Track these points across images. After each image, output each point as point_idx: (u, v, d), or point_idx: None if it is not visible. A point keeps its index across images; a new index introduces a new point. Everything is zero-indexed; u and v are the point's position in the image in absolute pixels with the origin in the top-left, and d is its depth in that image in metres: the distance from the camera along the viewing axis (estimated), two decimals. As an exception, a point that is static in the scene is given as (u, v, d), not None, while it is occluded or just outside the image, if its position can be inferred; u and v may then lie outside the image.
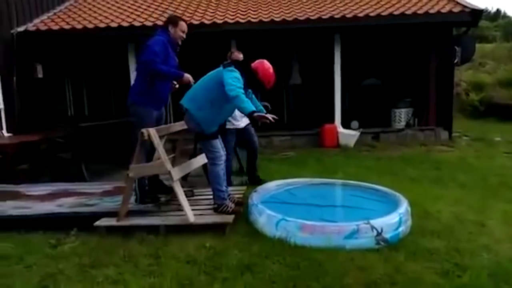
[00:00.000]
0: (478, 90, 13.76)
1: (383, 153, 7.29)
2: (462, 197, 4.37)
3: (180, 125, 4.15)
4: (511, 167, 6.00)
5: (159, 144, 3.51)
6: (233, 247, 3.10)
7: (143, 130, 3.45)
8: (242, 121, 4.91)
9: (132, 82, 3.93)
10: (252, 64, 3.59)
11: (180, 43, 3.95)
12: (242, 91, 3.35)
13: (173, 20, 3.92)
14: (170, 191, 3.81)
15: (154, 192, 4.05)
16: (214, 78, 3.53)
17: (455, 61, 8.03)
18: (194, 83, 3.80)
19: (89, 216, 3.67)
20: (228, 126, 4.78)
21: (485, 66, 16.52)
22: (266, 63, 3.58)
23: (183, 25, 3.91)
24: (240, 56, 5.01)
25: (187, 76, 3.84)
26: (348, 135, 7.97)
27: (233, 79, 3.35)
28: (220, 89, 3.40)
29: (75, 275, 2.80)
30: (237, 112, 4.50)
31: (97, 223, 3.56)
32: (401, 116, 8.79)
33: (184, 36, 3.94)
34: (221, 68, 3.52)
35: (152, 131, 3.48)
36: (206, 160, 4.29)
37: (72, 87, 9.92)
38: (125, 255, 3.07)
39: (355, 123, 8.68)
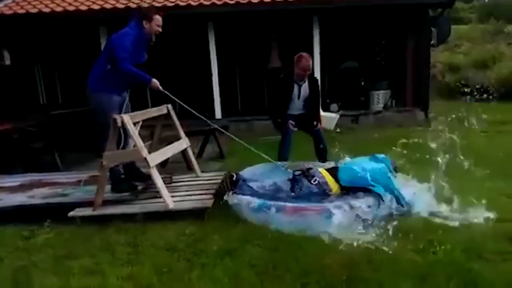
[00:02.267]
0: (454, 71, 14.00)
1: (363, 135, 7.34)
2: (439, 176, 4.43)
3: (156, 111, 4.05)
4: (486, 145, 6.14)
5: (134, 130, 3.41)
6: (213, 233, 3.07)
7: (116, 116, 3.34)
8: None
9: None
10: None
11: (154, 38, 3.78)
12: None
13: (147, 15, 3.70)
14: (148, 178, 3.71)
15: (131, 179, 3.95)
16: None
17: (431, 42, 8.10)
18: (163, 92, 3.74)
19: (63, 206, 3.56)
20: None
21: (460, 47, 16.81)
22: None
23: (158, 19, 3.73)
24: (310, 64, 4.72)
25: (155, 82, 3.72)
26: (329, 118, 7.97)
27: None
28: None
29: (50, 267, 2.73)
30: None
31: (72, 213, 3.46)
32: (379, 98, 8.86)
33: (160, 29, 3.77)
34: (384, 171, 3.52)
35: (126, 117, 3.38)
36: (184, 146, 4.22)
37: (44, 74, 9.53)
38: (101, 245, 3.01)
39: (334, 106, 8.71)
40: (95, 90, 3.70)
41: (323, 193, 3.42)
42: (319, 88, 4.89)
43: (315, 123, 4.79)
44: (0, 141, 5.46)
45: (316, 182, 3.46)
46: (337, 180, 3.50)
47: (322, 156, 4.80)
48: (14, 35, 7.92)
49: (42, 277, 2.57)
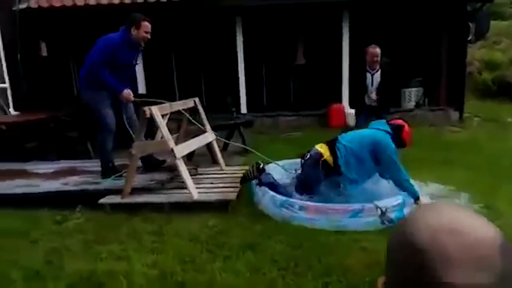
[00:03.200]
0: (492, 69, 13.37)
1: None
2: (471, 179, 4.28)
3: (181, 104, 4.11)
4: (523, 148, 5.85)
5: (161, 122, 3.48)
6: (236, 227, 3.10)
7: (145, 108, 3.42)
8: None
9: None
10: (396, 122, 3.59)
11: (143, 44, 3.92)
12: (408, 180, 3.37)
13: (134, 22, 3.80)
14: (162, 163, 4.02)
15: (148, 168, 4.15)
16: (370, 143, 3.41)
17: (469, 38, 7.75)
18: (135, 101, 3.96)
19: (94, 193, 3.69)
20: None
21: (499, 44, 16.00)
22: (410, 132, 3.58)
23: (146, 26, 3.82)
24: (378, 51, 5.13)
25: (126, 93, 3.86)
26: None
27: (396, 158, 3.35)
28: (373, 159, 3.39)
29: (80, 251, 2.84)
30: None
31: (102, 200, 3.58)
32: (411, 95, 8.61)
33: (149, 36, 3.87)
34: (379, 134, 3.44)
35: (154, 109, 3.44)
36: (210, 139, 4.27)
37: (77, 66, 9.87)
38: (129, 232, 3.10)
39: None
40: (84, 86, 3.98)
41: (316, 161, 3.41)
42: (392, 78, 5.24)
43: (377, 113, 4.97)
44: (37, 129, 5.72)
45: (308, 156, 3.51)
46: (333, 150, 3.46)
47: None
48: (51, 28, 8.21)
49: (73, 260, 2.69)
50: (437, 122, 8.08)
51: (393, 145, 3.36)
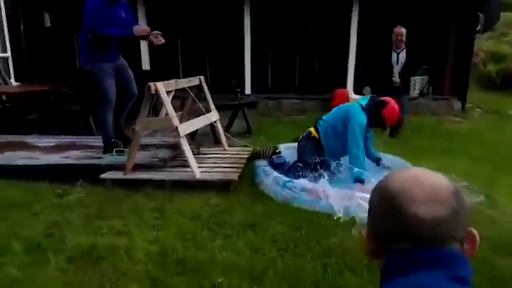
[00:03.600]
0: (497, 61, 13.23)
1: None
2: (471, 169, 4.30)
3: (187, 81, 4.07)
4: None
5: (166, 98, 3.45)
6: (237, 206, 3.12)
7: (150, 84, 3.38)
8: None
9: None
10: (382, 99, 3.57)
11: None
12: (360, 155, 3.47)
13: None
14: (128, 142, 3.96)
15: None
16: (343, 115, 3.61)
17: (477, 28, 7.64)
18: (151, 32, 3.80)
19: (95, 168, 3.69)
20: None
21: (507, 36, 15.80)
22: (394, 104, 3.53)
23: None
24: (403, 30, 5.59)
25: (139, 28, 3.80)
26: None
27: (359, 130, 3.44)
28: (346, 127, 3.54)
29: (81, 225, 2.86)
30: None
31: (103, 175, 3.58)
32: (416, 84, 8.54)
33: None
34: (351, 106, 3.62)
35: (159, 85, 3.41)
36: (214, 119, 4.26)
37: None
38: (130, 208, 3.11)
39: (367, 89, 8.47)
40: (83, 60, 3.99)
41: (306, 138, 3.76)
42: (416, 57, 5.72)
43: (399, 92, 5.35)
44: (38, 101, 5.67)
45: (300, 137, 3.84)
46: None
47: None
48: (54, -2, 8.05)
49: (73, 233, 2.70)
50: (440, 111, 8.04)
51: (361, 119, 3.44)
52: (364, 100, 3.61)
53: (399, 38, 5.52)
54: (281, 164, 3.70)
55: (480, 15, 7.53)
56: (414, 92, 8.53)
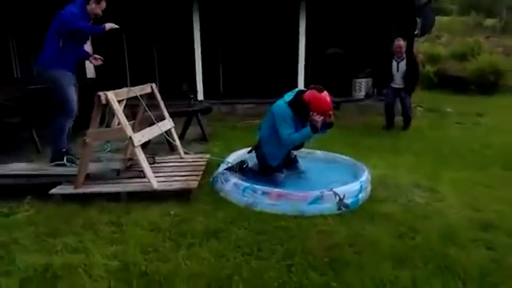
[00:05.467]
0: (433, 62, 14.27)
1: (343, 122, 7.42)
2: (416, 165, 4.59)
3: (139, 89, 3.97)
4: (461, 137, 6.35)
5: (118, 108, 3.34)
6: (198, 214, 3.08)
7: (101, 93, 3.26)
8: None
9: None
10: (304, 96, 3.52)
11: (92, 17, 4.04)
12: (292, 134, 3.48)
13: None
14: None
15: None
16: (270, 117, 3.65)
17: (415, 32, 8.19)
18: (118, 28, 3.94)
19: (43, 184, 3.48)
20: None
21: (440, 39, 17.10)
22: (318, 94, 3.47)
23: (103, 4, 4.02)
24: (402, 43, 6.50)
25: (107, 25, 3.89)
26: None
27: (286, 121, 3.48)
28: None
29: (31, 244, 2.69)
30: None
31: (53, 191, 3.40)
32: (362, 86, 8.95)
33: (101, 14, 4.05)
34: (275, 106, 3.61)
35: (110, 94, 3.30)
36: (168, 127, 4.18)
37: (18, 44, 9.10)
38: (84, 223, 2.97)
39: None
40: (49, 66, 3.92)
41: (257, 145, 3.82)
42: (416, 67, 6.58)
43: (402, 94, 6.51)
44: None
45: (251, 148, 3.94)
46: None
47: (405, 122, 6.70)
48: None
49: (24, 254, 2.53)
50: (385, 111, 8.50)
51: (285, 112, 3.50)
52: (289, 95, 3.63)
53: (398, 49, 6.35)
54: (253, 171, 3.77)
55: (418, 20, 8.08)
56: (361, 94, 8.95)
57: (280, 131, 3.48)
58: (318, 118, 3.42)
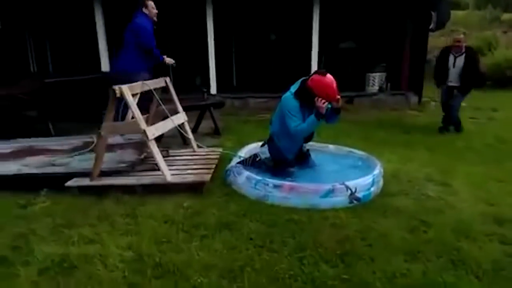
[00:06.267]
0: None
1: (357, 116, 7.40)
2: (430, 159, 4.55)
3: (153, 83, 4.01)
4: (475, 131, 6.26)
5: (132, 102, 3.39)
6: (211, 207, 3.12)
7: (115, 87, 3.31)
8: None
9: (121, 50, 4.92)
10: (307, 82, 3.44)
11: (156, 19, 4.84)
12: (300, 124, 3.44)
13: (142, 2, 4.77)
14: None
15: None
16: (279, 111, 3.64)
17: (430, 27, 8.05)
18: (174, 64, 5.07)
19: (60, 176, 3.55)
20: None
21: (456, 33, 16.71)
22: (321, 78, 3.39)
23: (151, 3, 4.80)
24: (461, 37, 5.95)
25: (167, 60, 4.97)
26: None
27: (294, 114, 3.44)
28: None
29: (49, 235, 2.75)
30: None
31: (69, 183, 3.46)
32: (375, 80, 8.87)
33: (156, 11, 4.83)
34: (282, 99, 3.59)
35: (125, 88, 3.34)
36: (182, 120, 4.23)
37: (34, 41, 9.26)
38: (100, 215, 3.03)
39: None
40: (132, 69, 4.54)
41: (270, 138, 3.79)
42: (476, 64, 5.85)
43: (455, 92, 6.01)
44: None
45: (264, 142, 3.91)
46: None
47: (453, 124, 6.16)
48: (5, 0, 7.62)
49: (42, 244, 2.60)
50: (398, 106, 8.43)
51: (291, 103, 3.45)
52: (295, 86, 3.57)
53: (456, 43, 5.85)
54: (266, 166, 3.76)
55: (433, 14, 7.94)
56: (374, 88, 8.87)
57: (288, 124, 3.46)
58: (322, 104, 3.31)
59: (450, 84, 6.06)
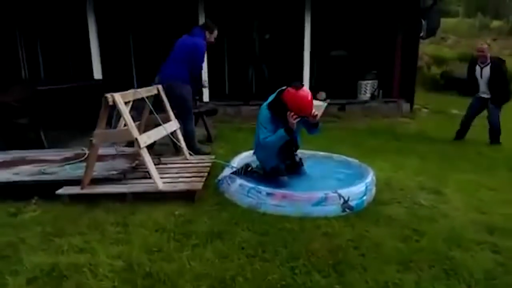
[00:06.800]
0: (439, 64, 14.22)
1: (348, 124, 7.45)
2: (422, 167, 4.58)
3: (145, 91, 3.99)
4: (467, 139, 6.32)
5: (124, 109, 3.37)
6: (203, 215, 3.10)
7: (108, 95, 3.29)
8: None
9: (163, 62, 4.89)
10: (282, 95, 3.35)
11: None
12: (270, 136, 3.38)
13: (211, 28, 4.75)
14: None
15: None
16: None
17: (421, 34, 8.16)
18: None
19: (50, 184, 3.51)
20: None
21: (447, 41, 17.03)
22: (294, 92, 3.26)
23: (216, 33, 4.80)
24: (484, 47, 5.86)
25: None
26: (316, 106, 7.98)
27: (265, 124, 3.40)
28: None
29: (38, 244, 2.71)
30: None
31: (60, 191, 3.42)
32: (367, 88, 8.95)
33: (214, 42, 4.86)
34: (259, 113, 3.53)
35: (117, 96, 3.32)
36: (174, 128, 4.21)
37: (26, 46, 9.19)
38: (90, 223, 2.99)
39: (322, 94, 8.76)
40: (186, 82, 4.63)
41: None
42: (502, 73, 5.73)
43: (489, 105, 5.87)
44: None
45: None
46: None
47: (491, 137, 5.99)
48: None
49: (31, 253, 2.56)
50: (390, 113, 8.50)
51: (262, 113, 3.42)
52: (272, 96, 3.51)
53: (479, 53, 5.73)
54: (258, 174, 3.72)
55: (423, 22, 8.06)
56: (366, 96, 8.94)
57: (257, 135, 3.44)
58: (294, 119, 3.19)
59: (482, 96, 5.94)
